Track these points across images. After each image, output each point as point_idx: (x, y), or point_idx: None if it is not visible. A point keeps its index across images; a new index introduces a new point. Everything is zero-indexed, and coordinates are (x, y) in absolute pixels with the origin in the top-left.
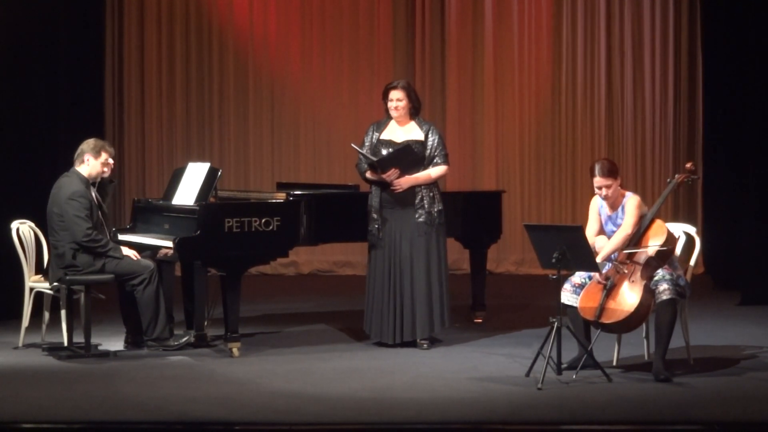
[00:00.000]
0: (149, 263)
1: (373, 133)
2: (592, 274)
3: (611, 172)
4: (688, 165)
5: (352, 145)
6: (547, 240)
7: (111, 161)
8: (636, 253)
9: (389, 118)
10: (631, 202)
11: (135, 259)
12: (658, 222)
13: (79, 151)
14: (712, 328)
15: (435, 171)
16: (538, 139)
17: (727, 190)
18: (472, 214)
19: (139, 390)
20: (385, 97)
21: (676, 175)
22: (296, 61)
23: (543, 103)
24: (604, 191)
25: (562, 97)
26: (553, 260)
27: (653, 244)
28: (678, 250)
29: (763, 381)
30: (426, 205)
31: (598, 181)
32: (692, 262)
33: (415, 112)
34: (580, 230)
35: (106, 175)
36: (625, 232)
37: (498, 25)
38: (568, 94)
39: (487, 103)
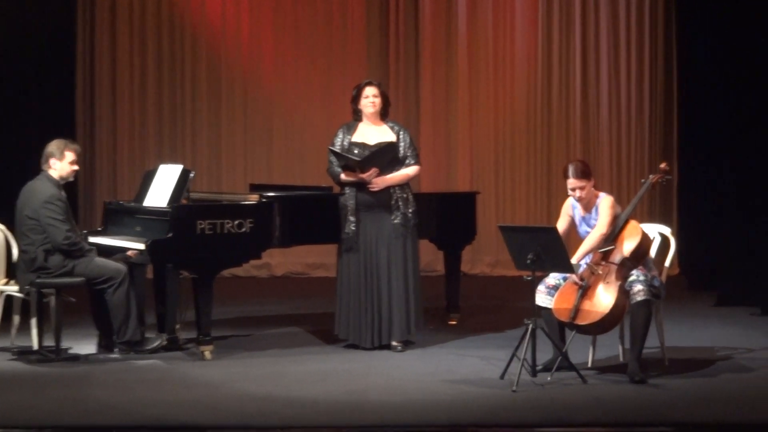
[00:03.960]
0: (120, 266)
1: (344, 136)
2: (567, 275)
3: (584, 174)
4: (663, 165)
5: (330, 148)
6: (522, 241)
7: (76, 157)
8: (611, 253)
9: (357, 120)
10: (605, 202)
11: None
12: (633, 223)
13: (44, 154)
14: (687, 329)
15: (408, 172)
16: (512, 140)
17: (702, 191)
18: (447, 216)
19: (110, 394)
20: (356, 97)
21: (651, 176)
22: (269, 61)
23: (518, 103)
24: (577, 192)
25: (537, 98)
26: (528, 261)
27: (628, 245)
28: (653, 251)
29: (738, 382)
30: (401, 207)
31: (571, 182)
32: (667, 262)
33: (385, 113)
34: (554, 231)
35: (75, 171)
36: (600, 232)
37: (472, 24)
38: (543, 94)
39: (461, 103)
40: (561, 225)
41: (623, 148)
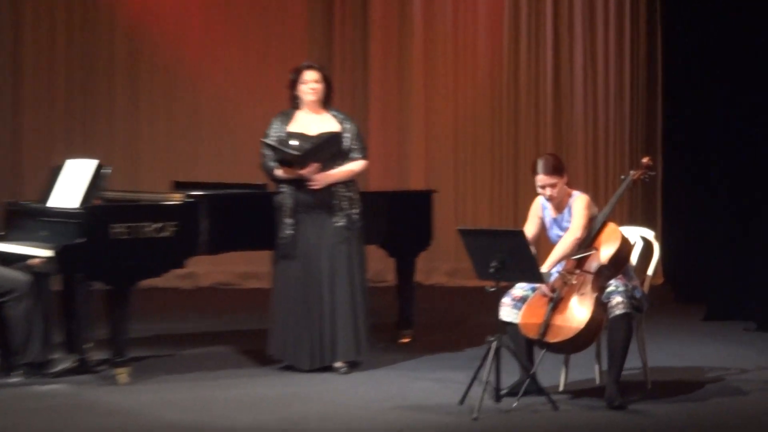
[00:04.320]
0: (22, 276)
1: (280, 126)
2: (536, 285)
3: (556, 169)
4: (645, 160)
5: (264, 141)
6: (485, 247)
7: None
8: (586, 261)
9: (295, 108)
10: (579, 201)
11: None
12: (611, 225)
13: None
14: (673, 347)
15: (354, 167)
16: (474, 133)
17: (689, 189)
18: (398, 218)
19: (9, 423)
20: (294, 82)
21: (632, 172)
22: (196, 45)
23: (480, 91)
24: (548, 191)
25: (503, 85)
26: (491, 270)
27: (605, 250)
28: (634, 258)
29: (730, 407)
30: (345, 207)
31: (541, 179)
32: (650, 271)
33: (327, 101)
34: (521, 235)
35: None
36: (574, 236)
37: (429, 5)
38: (510, 81)
39: (416, 91)
40: (529, 228)
41: (600, 141)
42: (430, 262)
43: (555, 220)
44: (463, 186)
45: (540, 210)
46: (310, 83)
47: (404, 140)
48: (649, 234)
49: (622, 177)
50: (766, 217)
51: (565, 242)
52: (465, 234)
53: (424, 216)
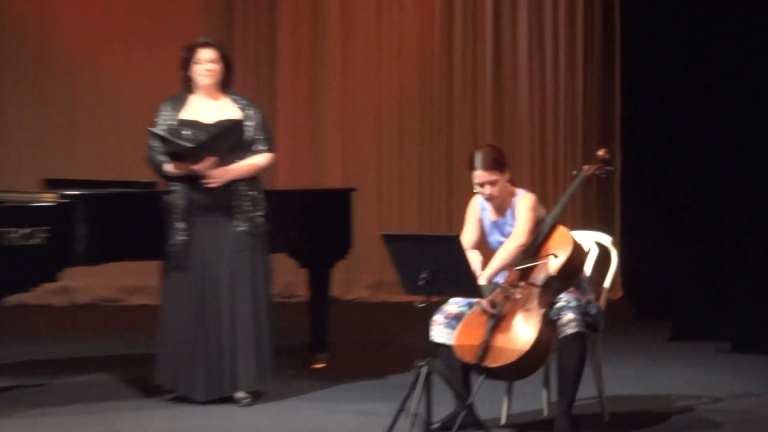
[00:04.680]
0: None
1: (171, 113)
2: (474, 300)
3: (497, 164)
4: (601, 153)
5: (151, 130)
6: (413, 255)
7: None
8: (532, 271)
9: (188, 92)
10: (524, 202)
11: None
12: (561, 229)
13: None
14: (634, 372)
15: (259, 161)
16: (401, 125)
17: (652, 189)
18: (312, 221)
19: None
20: (188, 61)
21: (585, 167)
22: (72, 19)
23: (408, 77)
24: (487, 189)
25: (434, 69)
26: (421, 282)
27: (554, 259)
28: (588, 268)
29: None
30: (248, 209)
31: (479, 175)
32: (607, 283)
33: (227, 84)
34: (456, 241)
35: None
36: (517, 242)
37: None
38: (443, 64)
39: (333, 76)
40: (466, 233)
41: (549, 132)
42: (349, 273)
43: (495, 224)
44: (387, 185)
45: (478, 211)
46: (205, 63)
47: (318, 131)
48: (606, 240)
49: (575, 173)
50: (742, 222)
51: (507, 249)
52: (390, 240)
53: (342, 219)
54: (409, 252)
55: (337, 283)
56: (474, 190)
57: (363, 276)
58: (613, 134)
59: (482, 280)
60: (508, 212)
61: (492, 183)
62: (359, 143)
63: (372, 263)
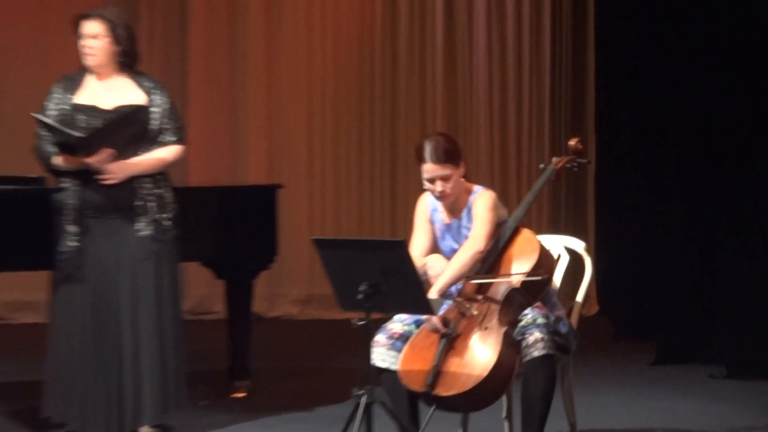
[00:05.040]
0: None
1: (64, 95)
2: (422, 318)
3: (450, 155)
4: (573, 142)
5: (36, 115)
6: (351, 264)
7: None
8: (491, 283)
9: (85, 71)
10: (482, 201)
11: None
12: (526, 233)
13: None
14: (613, 401)
15: (166, 154)
16: (336, 115)
17: (632, 185)
18: (230, 224)
19: None
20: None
21: (554, 159)
22: None
23: (344, 57)
24: (439, 186)
25: (376, 50)
26: (360, 296)
27: (518, 268)
28: (557, 279)
29: None
30: (152, 210)
31: (429, 169)
32: (580, 296)
33: (128, 62)
34: (402, 247)
35: None
36: (474, 248)
37: None
38: (385, 44)
39: (254, 56)
40: (416, 238)
41: (510, 120)
42: (274, 286)
43: (448, 228)
44: (320, 184)
45: (428, 212)
46: (86, 39)
47: (238, 119)
48: (579, 245)
49: (542, 166)
50: (737, 225)
51: (462, 258)
52: (323, 246)
53: (266, 222)
54: (345, 260)
55: (260, 297)
56: (423, 187)
57: (291, 289)
58: (585, 122)
59: (433, 294)
60: (464, 213)
61: (444, 178)
62: (287, 134)
63: (301, 274)
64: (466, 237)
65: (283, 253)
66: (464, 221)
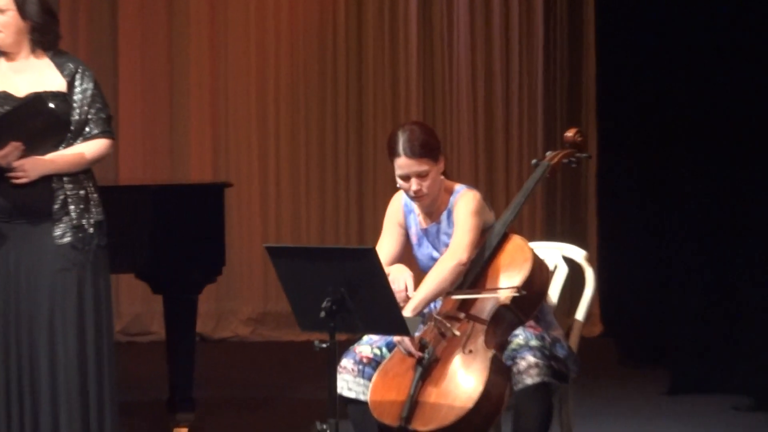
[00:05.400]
0: None
1: None
2: (395, 339)
3: (427, 148)
4: (570, 134)
5: None
6: (311, 276)
7: None
8: (476, 299)
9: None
10: (465, 202)
11: None
12: (517, 240)
13: None
14: None
15: (90, 148)
16: (293, 106)
17: (639, 184)
18: (169, 229)
19: None
20: None
21: (549, 154)
22: None
23: (306, 37)
24: (414, 184)
25: (339, 27)
26: (322, 314)
27: (507, 281)
28: (553, 293)
29: None
30: (73, 214)
31: (403, 164)
32: (580, 314)
33: (44, 41)
34: (371, 256)
35: None
36: (455, 259)
37: None
38: (350, 21)
39: (197, 41)
40: (384, 243)
41: (497, 109)
42: (221, 301)
43: (426, 233)
44: (275, 183)
45: (401, 214)
46: None
47: (177, 108)
48: (578, 254)
49: (535, 162)
50: (762, 233)
51: (442, 270)
52: (278, 255)
53: (212, 226)
54: (305, 272)
55: (204, 315)
56: (397, 185)
57: (241, 306)
58: (585, 110)
59: (407, 312)
60: (444, 216)
61: (420, 175)
62: (235, 127)
63: (254, 288)
64: (447, 244)
65: (232, 264)
66: (444, 225)
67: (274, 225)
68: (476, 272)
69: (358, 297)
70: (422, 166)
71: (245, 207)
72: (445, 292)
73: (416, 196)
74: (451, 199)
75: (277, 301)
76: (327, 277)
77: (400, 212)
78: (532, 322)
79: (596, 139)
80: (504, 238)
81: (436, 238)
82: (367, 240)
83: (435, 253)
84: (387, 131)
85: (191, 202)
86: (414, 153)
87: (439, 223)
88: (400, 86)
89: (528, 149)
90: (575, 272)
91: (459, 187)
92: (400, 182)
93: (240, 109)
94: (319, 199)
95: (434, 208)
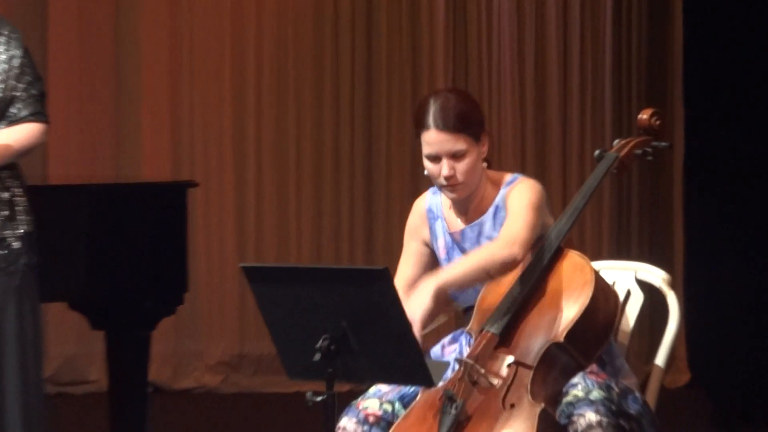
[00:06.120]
0: None
1: None
2: (411, 390)
3: (465, 122)
4: (645, 115)
5: None
6: (302, 306)
7: None
8: (516, 335)
9: None
10: (523, 191)
11: None
12: (573, 257)
13: None
14: None
15: (16, 135)
16: (281, 93)
17: (741, 183)
18: (113, 245)
19: None
20: None
21: (616, 143)
22: None
23: (297, 15)
24: (445, 167)
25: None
26: (317, 357)
27: (560, 312)
28: (626, 329)
29: None
30: None
31: (432, 138)
32: (661, 358)
33: None
34: (383, 279)
35: None
36: (510, 250)
37: None
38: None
39: (152, 4)
40: (403, 269)
41: (551, 88)
42: (183, 341)
43: (462, 236)
44: (255, 186)
45: (424, 226)
46: None
47: (126, 91)
48: (658, 277)
49: (598, 153)
50: None
51: (490, 253)
52: (258, 278)
53: (170, 240)
54: (294, 300)
55: (161, 358)
56: (425, 172)
57: (209, 346)
58: (668, 88)
59: (426, 291)
60: (489, 215)
61: (455, 156)
62: (203, 113)
63: (226, 323)
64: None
65: (198, 290)
66: (488, 227)
67: (253, 239)
68: (519, 298)
69: (364, 334)
70: (458, 144)
71: (215, 216)
72: (482, 281)
73: (448, 185)
74: (502, 191)
75: (258, 339)
76: (324, 308)
77: (423, 223)
78: (594, 367)
79: (683, 125)
80: (557, 254)
81: (475, 242)
82: (376, 259)
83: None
84: (404, 119)
85: (143, 207)
86: (447, 125)
87: (481, 223)
88: (422, 59)
89: (591, 139)
90: (655, 301)
91: (512, 176)
92: (427, 165)
93: (209, 90)
94: (313, 206)
95: (473, 204)
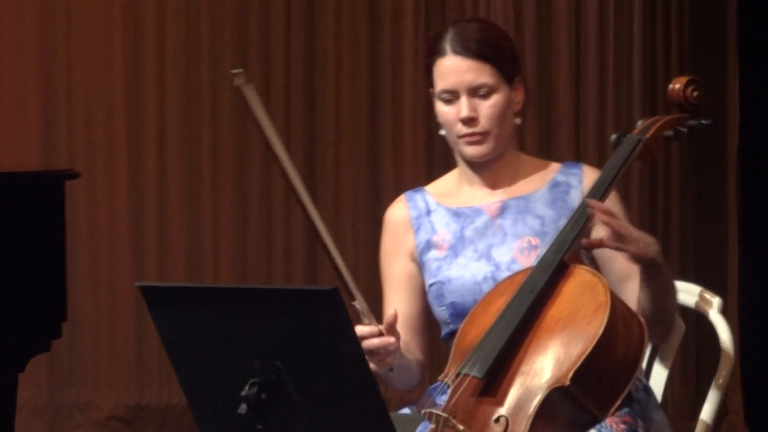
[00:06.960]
0: None
1: None
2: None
3: (493, 50)
4: (678, 85)
5: None
6: (222, 337)
7: None
8: (511, 381)
9: None
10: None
11: None
12: (582, 274)
13: None
14: None
15: None
16: (189, 42)
17: None
18: None
19: None
20: None
21: (640, 123)
22: None
23: None
24: (464, 107)
25: None
26: (243, 408)
27: (564, 346)
28: (659, 369)
29: None
30: None
31: (448, 67)
32: (709, 408)
33: None
34: (332, 302)
35: None
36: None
37: None
38: None
39: None
40: (397, 296)
41: (560, 57)
42: (60, 387)
43: (505, 209)
44: (156, 180)
45: (407, 233)
46: None
47: (18, 68)
48: (704, 301)
49: (615, 138)
50: None
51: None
52: (161, 301)
53: (42, 253)
54: (210, 331)
55: (32, 410)
56: (438, 118)
57: (96, 395)
58: (716, 52)
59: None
60: (544, 189)
61: (478, 91)
62: (85, 88)
63: (118, 363)
64: (540, 233)
65: (80, 319)
66: (539, 205)
67: (154, 251)
68: (509, 330)
69: (306, 378)
70: (481, 75)
71: (103, 220)
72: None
73: (467, 134)
74: (564, 169)
75: (162, 386)
76: (251, 343)
77: (406, 231)
78: (617, 416)
79: (738, 101)
80: (560, 271)
81: (520, 220)
82: (321, 278)
83: (500, 254)
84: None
85: (2, 206)
86: (468, 48)
87: (529, 198)
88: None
89: (615, 120)
90: (700, 332)
91: (573, 163)
92: (441, 110)
93: (93, 52)
94: (236, 207)
95: (507, 171)
